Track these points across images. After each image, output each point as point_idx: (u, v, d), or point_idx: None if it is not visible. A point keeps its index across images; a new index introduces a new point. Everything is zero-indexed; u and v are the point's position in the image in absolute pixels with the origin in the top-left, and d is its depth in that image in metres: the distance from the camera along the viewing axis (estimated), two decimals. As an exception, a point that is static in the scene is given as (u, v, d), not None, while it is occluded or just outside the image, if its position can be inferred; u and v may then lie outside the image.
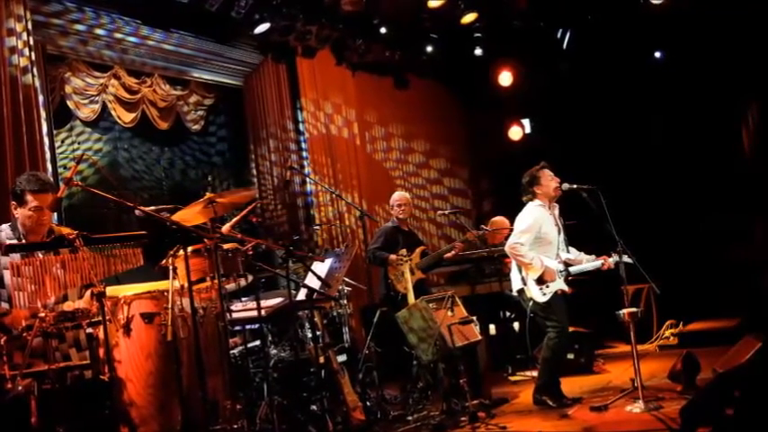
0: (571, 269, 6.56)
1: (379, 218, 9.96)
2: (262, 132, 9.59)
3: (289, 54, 9.64)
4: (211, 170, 9.25)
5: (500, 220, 8.88)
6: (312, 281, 6.01)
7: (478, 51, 11.27)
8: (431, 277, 9.01)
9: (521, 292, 6.64)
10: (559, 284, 6.46)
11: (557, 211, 6.75)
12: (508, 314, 8.78)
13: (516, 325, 8.67)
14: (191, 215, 5.15)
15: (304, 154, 9.85)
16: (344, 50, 10.11)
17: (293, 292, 5.96)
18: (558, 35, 10.89)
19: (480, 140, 12.90)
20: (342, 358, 6.86)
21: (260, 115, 9.59)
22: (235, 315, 5.82)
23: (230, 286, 5.44)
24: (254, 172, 9.62)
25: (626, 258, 6.28)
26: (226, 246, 5.11)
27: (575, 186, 6.55)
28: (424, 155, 12.16)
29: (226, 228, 5.73)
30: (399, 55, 10.74)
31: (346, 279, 7.05)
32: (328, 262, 6.34)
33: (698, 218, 10.51)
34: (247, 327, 6.08)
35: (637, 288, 8.97)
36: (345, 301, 7.10)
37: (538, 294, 6.44)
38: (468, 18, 10.17)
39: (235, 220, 5.92)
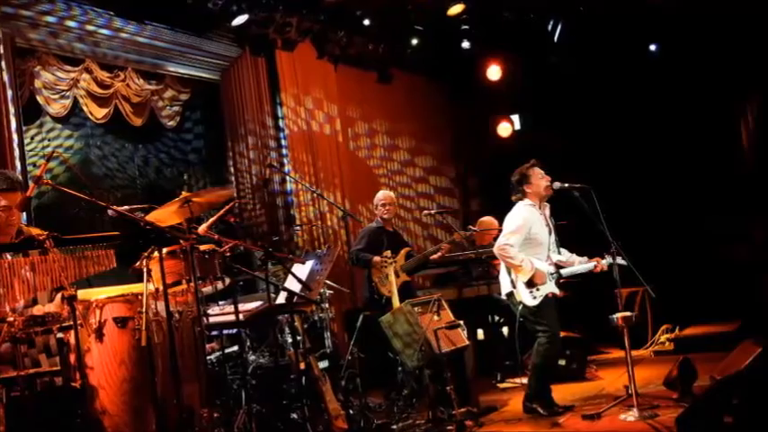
0: (562, 271, 6.48)
1: (362, 218, 10.01)
2: (240, 129, 9.44)
3: (268, 47, 9.52)
4: (187, 168, 9.14)
5: (488, 220, 8.83)
6: (292, 284, 5.98)
7: (466, 44, 11.23)
8: (416, 280, 8.96)
9: (510, 295, 6.54)
10: (550, 287, 6.37)
11: (547, 211, 6.67)
12: (497, 318, 8.73)
13: (505, 330, 8.65)
14: (166, 215, 5.13)
15: (284, 151, 9.74)
16: (326, 43, 10.03)
17: (273, 295, 5.93)
18: (550, 27, 10.80)
19: (468, 137, 12.85)
20: (323, 364, 6.91)
21: (238, 111, 9.44)
22: (212, 319, 5.84)
23: (207, 289, 5.40)
24: (232, 170, 9.46)
25: (620, 260, 6.23)
26: (202, 247, 5.08)
27: (566, 185, 6.48)
28: (409, 152, 12.08)
29: (202, 228, 5.69)
30: (383, 48, 10.68)
31: (328, 282, 7.05)
32: (309, 264, 6.31)
33: (695, 218, 10.49)
34: (225, 332, 6.06)
35: (631, 291, 8.99)
36: (327, 305, 7.15)
37: (528, 298, 6.35)
38: (456, 9, 10.14)
39: (212, 220, 5.91)
